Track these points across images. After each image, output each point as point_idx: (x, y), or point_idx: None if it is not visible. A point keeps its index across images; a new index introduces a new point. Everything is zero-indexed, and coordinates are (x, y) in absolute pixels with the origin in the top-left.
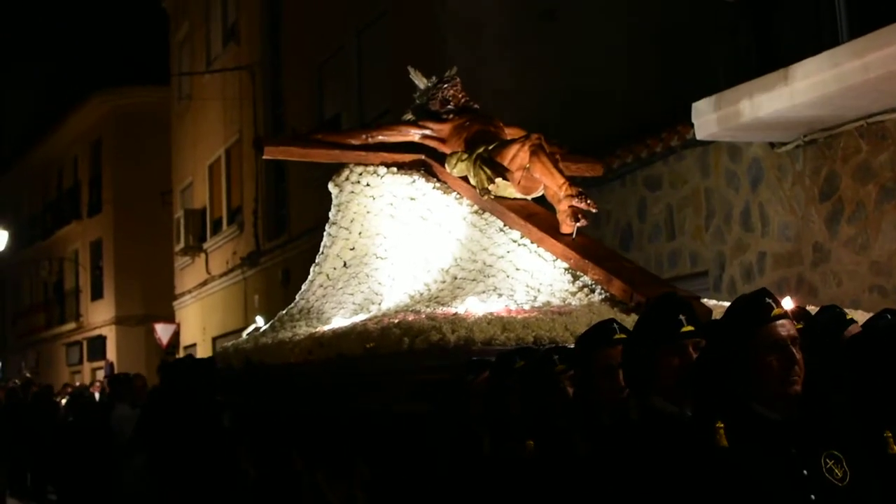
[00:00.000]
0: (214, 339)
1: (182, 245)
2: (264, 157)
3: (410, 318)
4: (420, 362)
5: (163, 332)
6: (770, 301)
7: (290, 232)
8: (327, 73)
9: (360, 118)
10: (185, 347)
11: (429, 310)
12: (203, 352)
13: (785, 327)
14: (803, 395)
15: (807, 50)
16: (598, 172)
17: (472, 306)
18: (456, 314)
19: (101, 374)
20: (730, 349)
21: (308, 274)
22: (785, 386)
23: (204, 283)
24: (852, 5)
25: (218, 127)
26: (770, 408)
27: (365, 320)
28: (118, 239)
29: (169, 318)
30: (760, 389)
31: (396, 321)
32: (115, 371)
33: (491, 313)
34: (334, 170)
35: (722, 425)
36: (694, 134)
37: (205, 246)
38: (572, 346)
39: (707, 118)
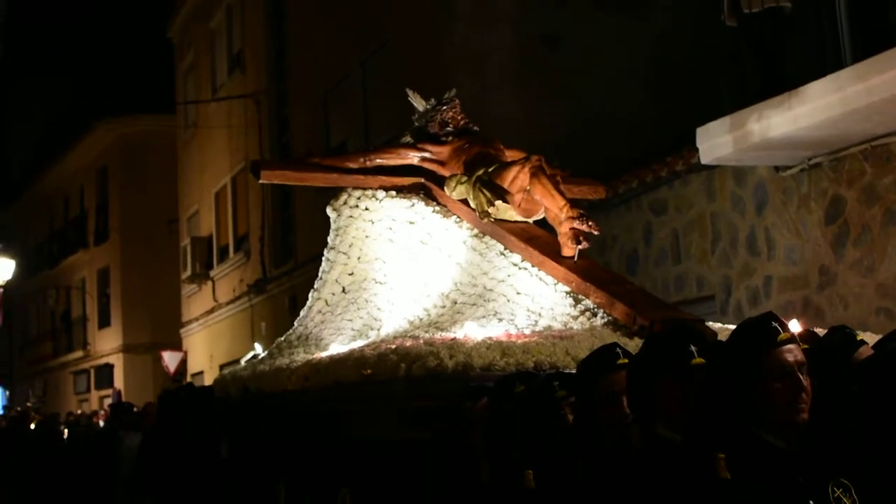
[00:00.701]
0: (222, 367)
1: (189, 273)
2: (261, 181)
3: (408, 343)
4: (417, 388)
5: (170, 359)
6: (776, 325)
7: (296, 259)
8: (333, 101)
9: (366, 146)
10: (193, 375)
11: (427, 335)
12: (210, 379)
13: (792, 353)
14: (811, 420)
15: (811, 74)
16: (600, 195)
17: (471, 331)
18: (454, 339)
19: (108, 403)
20: (734, 375)
21: None
22: (791, 413)
23: (211, 311)
24: (855, 29)
25: (224, 155)
26: (776, 436)
27: (362, 346)
28: (125, 267)
29: (176, 345)
30: (766, 417)
31: (393, 347)
32: (123, 399)
33: (490, 338)
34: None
35: (723, 456)
36: (699, 158)
37: (211, 273)
38: (573, 371)
39: (721, 139)
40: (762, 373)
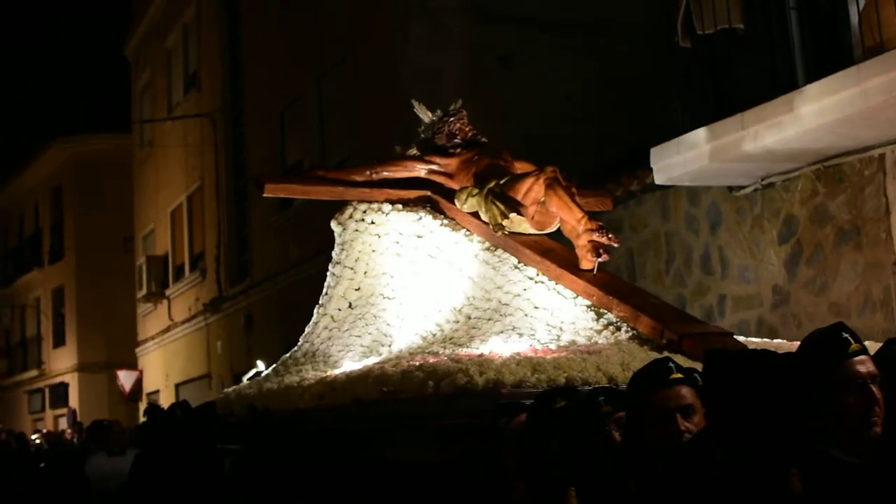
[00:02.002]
0: (177, 386)
1: (144, 291)
2: (265, 195)
3: (432, 360)
4: (445, 406)
5: (125, 378)
6: (848, 336)
7: (252, 277)
8: (288, 119)
9: (322, 163)
10: (148, 394)
11: (448, 351)
12: (166, 398)
13: (864, 364)
14: (884, 434)
15: (764, 95)
16: (607, 207)
17: (497, 347)
18: (482, 355)
19: (63, 422)
20: (805, 388)
21: (270, 320)
22: (864, 427)
23: (166, 330)
24: (808, 49)
25: (179, 174)
26: (848, 451)
27: (381, 363)
28: (80, 286)
29: (131, 364)
30: (838, 431)
31: (418, 363)
32: (78, 418)
33: (518, 354)
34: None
35: (796, 470)
36: (653, 178)
37: (167, 292)
38: (615, 385)
39: (675, 159)
40: (833, 386)
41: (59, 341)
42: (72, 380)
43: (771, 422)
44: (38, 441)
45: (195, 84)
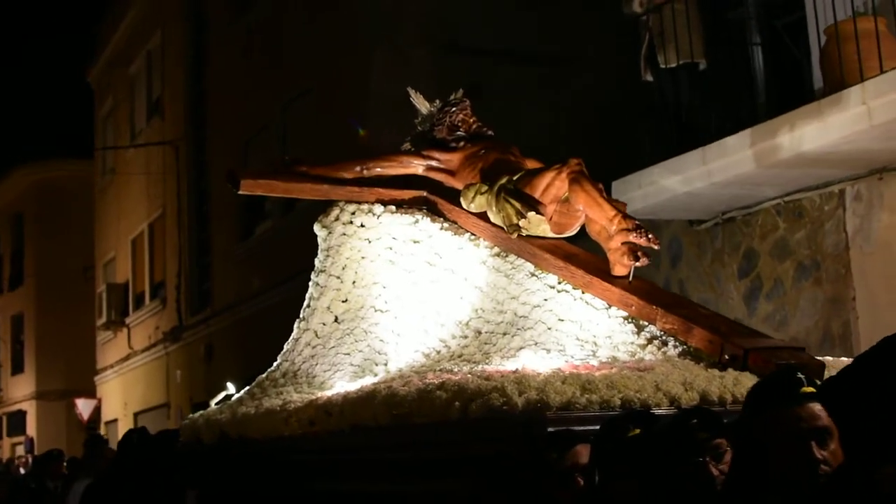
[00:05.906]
0: (136, 415)
1: (104, 319)
2: (240, 191)
3: (454, 378)
4: (474, 432)
5: (84, 407)
6: None
7: (212, 307)
8: (252, 148)
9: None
10: (107, 423)
11: (466, 368)
12: (124, 427)
13: None
14: None
15: (725, 129)
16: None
17: (530, 362)
18: (516, 371)
19: (20, 450)
20: None
21: (230, 350)
22: None
23: (126, 358)
24: (770, 85)
25: (141, 201)
26: None
27: (386, 382)
28: (40, 313)
29: (90, 393)
30: None
31: (437, 382)
32: (35, 446)
33: (561, 370)
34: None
35: None
36: None
37: (127, 321)
38: (702, 406)
39: (637, 193)
40: None
41: (17, 368)
42: (30, 407)
43: None
44: None
45: (159, 111)
